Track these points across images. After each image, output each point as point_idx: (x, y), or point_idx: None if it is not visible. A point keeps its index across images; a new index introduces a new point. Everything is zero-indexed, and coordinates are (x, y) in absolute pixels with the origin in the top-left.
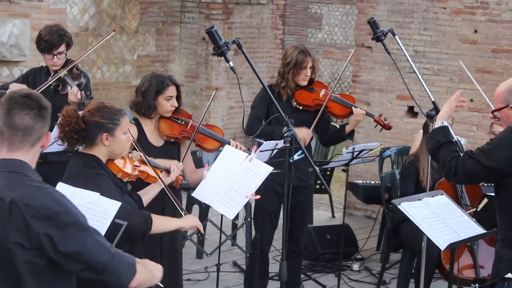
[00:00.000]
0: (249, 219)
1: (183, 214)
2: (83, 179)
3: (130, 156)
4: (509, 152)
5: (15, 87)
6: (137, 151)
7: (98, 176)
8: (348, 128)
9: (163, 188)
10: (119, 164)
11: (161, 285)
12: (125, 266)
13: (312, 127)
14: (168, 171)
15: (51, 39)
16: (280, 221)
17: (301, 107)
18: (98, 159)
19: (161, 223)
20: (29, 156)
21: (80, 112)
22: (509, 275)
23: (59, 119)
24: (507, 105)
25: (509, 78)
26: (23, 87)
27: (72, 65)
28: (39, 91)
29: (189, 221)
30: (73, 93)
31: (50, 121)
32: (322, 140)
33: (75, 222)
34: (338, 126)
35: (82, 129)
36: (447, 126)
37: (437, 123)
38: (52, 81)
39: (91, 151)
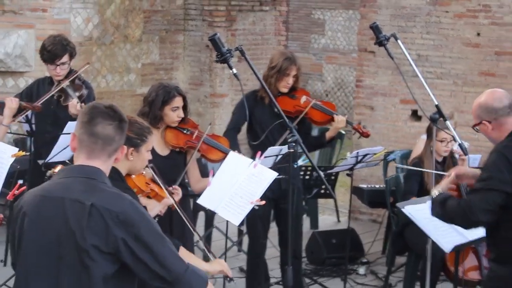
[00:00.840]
0: None
1: (211, 258)
2: None
3: (143, 173)
4: (505, 174)
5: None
6: (149, 169)
7: (127, 192)
8: (328, 135)
9: (176, 209)
10: (135, 180)
11: None
12: (199, 279)
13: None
14: (171, 193)
15: (54, 49)
16: (275, 228)
17: None
18: (119, 172)
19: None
20: (105, 166)
21: None
22: None
23: None
24: (481, 121)
25: (484, 91)
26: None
27: (74, 76)
28: (42, 101)
29: (217, 266)
30: (73, 105)
31: (62, 131)
32: None
33: (152, 230)
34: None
35: None
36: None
37: (435, 193)
38: (54, 91)
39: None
